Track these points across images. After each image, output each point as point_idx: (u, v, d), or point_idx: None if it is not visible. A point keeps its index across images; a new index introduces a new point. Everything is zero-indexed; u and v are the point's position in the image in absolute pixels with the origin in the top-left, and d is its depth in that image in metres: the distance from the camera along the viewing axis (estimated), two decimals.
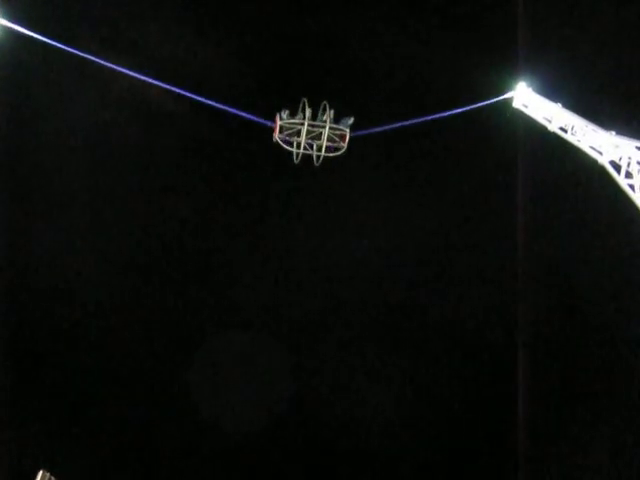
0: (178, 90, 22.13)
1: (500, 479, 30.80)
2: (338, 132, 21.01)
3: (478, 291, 31.34)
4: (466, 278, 31.20)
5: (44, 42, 21.61)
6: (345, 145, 21.12)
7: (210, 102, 21.90)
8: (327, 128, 20.71)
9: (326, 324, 31.01)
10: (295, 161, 21.46)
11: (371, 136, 22.18)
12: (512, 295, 31.10)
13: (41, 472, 8.36)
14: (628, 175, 23.35)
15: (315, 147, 21.28)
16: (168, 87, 22.16)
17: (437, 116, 24.27)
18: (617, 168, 23.44)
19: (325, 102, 21.02)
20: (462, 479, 30.79)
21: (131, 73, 22.09)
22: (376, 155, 29.59)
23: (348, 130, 21.10)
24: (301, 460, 30.07)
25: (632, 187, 23.29)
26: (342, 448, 30.20)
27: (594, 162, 23.79)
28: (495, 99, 24.96)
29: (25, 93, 28.60)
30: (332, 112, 20.94)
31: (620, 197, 23.37)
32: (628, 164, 23.34)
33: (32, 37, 21.40)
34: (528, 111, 25.44)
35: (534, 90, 25.32)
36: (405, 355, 30.83)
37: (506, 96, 25.14)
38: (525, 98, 25.50)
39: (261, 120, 21.50)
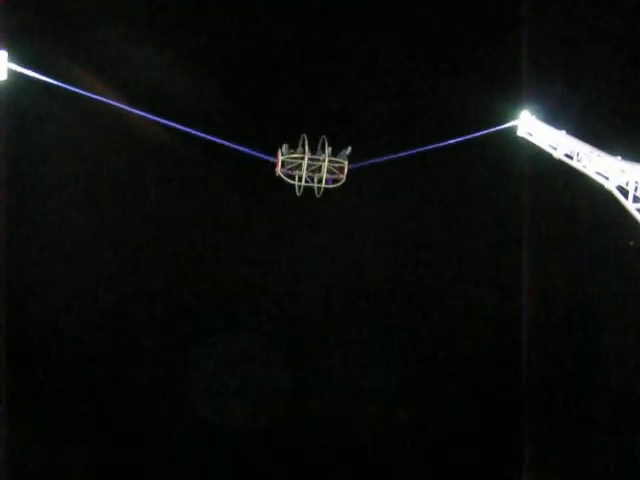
0: (180, 127, 22.83)
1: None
2: (337, 164, 21.86)
3: (482, 321, 31.37)
4: (471, 309, 31.26)
5: (53, 85, 22.06)
6: (344, 177, 21.94)
7: (214, 138, 22.68)
8: (326, 161, 21.53)
9: (326, 325, 31.04)
10: (297, 193, 22.35)
11: (371, 165, 22.83)
12: (517, 324, 31.11)
13: None
14: (636, 199, 23.14)
15: (316, 179, 22.15)
16: (169, 124, 22.72)
17: (439, 145, 24.65)
18: (624, 193, 23.29)
19: (324, 137, 21.80)
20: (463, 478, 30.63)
21: (132, 110, 22.64)
22: (377, 184, 29.94)
23: (346, 162, 21.90)
24: (300, 458, 29.94)
25: None
26: (342, 446, 30.11)
27: (601, 187, 23.69)
28: (499, 127, 25.08)
29: (35, 136, 29.04)
30: (330, 149, 21.78)
31: (628, 222, 23.24)
32: (635, 188, 23.16)
33: (41, 80, 21.90)
34: (533, 139, 25.52)
35: (538, 118, 25.45)
36: (408, 355, 30.85)
37: (510, 124, 25.27)
38: (529, 126, 25.59)
39: (263, 155, 22.34)
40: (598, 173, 23.70)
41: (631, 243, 28.50)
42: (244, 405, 29.83)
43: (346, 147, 21.96)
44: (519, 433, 31.15)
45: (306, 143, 21.59)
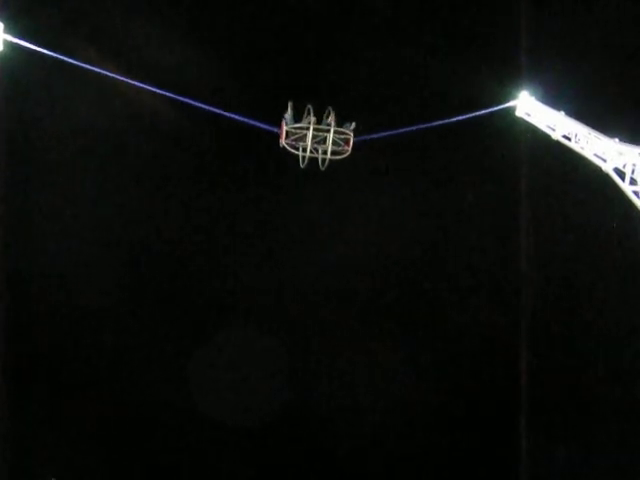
0: (183, 99, 22.59)
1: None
2: (342, 136, 21.62)
3: (480, 301, 31.53)
4: (469, 286, 31.37)
5: (49, 56, 22.04)
6: (349, 149, 21.74)
7: (217, 110, 22.40)
8: (332, 132, 21.24)
9: (326, 321, 31.12)
10: (301, 165, 22.03)
11: (371, 146, 22.89)
12: (515, 305, 31.26)
13: None
14: (633, 182, 23.33)
15: (320, 151, 21.89)
16: (172, 95, 22.57)
17: (439, 123, 24.51)
18: (621, 175, 23.42)
19: (330, 107, 21.59)
20: (463, 477, 30.85)
21: (135, 83, 22.57)
22: (377, 163, 29.75)
23: (352, 134, 21.66)
24: (301, 457, 30.13)
25: (637, 194, 23.29)
26: (343, 445, 30.31)
27: (598, 169, 23.75)
28: (498, 107, 25.02)
29: (30, 107, 28.99)
30: (334, 121, 21.52)
31: (625, 204, 23.34)
32: (632, 171, 23.32)
33: (37, 51, 21.89)
34: (531, 119, 25.50)
35: (537, 99, 25.40)
36: (407, 352, 30.99)
37: (509, 104, 25.21)
38: (528, 107, 25.53)
39: (267, 126, 22.13)
40: (596, 155, 23.79)
41: (614, 225, 28.72)
42: (245, 405, 29.71)
43: (350, 122, 21.79)
44: (517, 429, 31.20)
45: (311, 113, 21.33)
